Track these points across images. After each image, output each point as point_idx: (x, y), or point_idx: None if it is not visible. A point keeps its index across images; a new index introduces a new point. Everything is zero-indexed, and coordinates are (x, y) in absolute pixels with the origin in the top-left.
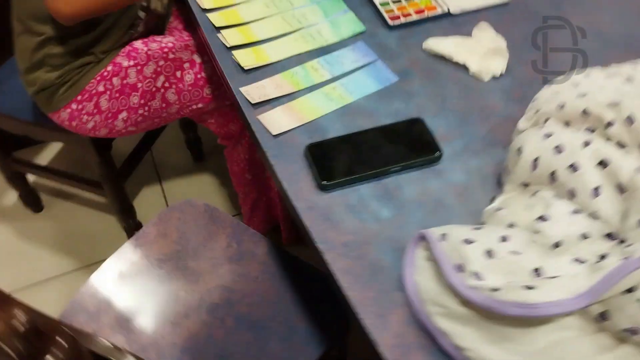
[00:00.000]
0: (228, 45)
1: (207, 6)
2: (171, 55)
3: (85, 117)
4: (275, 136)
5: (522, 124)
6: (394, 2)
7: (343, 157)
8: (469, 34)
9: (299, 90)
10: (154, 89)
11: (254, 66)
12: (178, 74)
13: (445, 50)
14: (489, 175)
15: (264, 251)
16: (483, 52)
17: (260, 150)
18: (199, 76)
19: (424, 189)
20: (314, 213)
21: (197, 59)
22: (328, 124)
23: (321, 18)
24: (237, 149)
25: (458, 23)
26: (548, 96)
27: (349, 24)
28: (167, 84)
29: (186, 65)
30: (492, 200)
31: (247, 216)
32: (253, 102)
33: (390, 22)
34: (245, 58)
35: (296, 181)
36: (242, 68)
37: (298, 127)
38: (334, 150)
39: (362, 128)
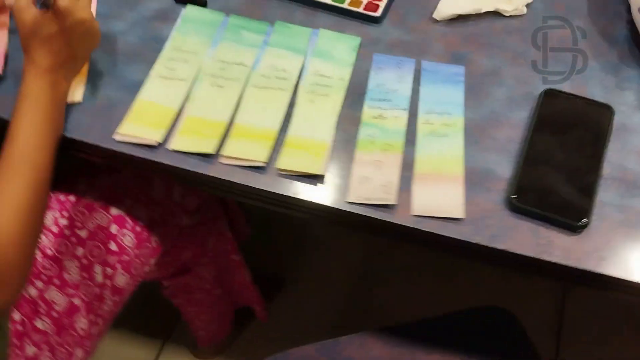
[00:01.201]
0: (263, 165)
1: (158, 139)
2: (83, 233)
3: None
4: (464, 220)
5: None
6: None
7: (556, 181)
8: None
9: (402, 152)
10: (96, 291)
11: (325, 165)
12: (112, 246)
13: (466, 9)
14: None
15: (372, 347)
16: None
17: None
18: (138, 229)
19: None
20: (614, 262)
21: (115, 211)
22: (481, 161)
23: (299, 58)
24: (200, 273)
25: None
26: None
27: (338, 44)
28: (108, 271)
29: (113, 228)
30: None
31: (210, 334)
32: (393, 202)
33: (376, 14)
34: (306, 163)
35: (546, 246)
36: (317, 177)
37: (464, 190)
38: (536, 180)
39: (518, 137)
